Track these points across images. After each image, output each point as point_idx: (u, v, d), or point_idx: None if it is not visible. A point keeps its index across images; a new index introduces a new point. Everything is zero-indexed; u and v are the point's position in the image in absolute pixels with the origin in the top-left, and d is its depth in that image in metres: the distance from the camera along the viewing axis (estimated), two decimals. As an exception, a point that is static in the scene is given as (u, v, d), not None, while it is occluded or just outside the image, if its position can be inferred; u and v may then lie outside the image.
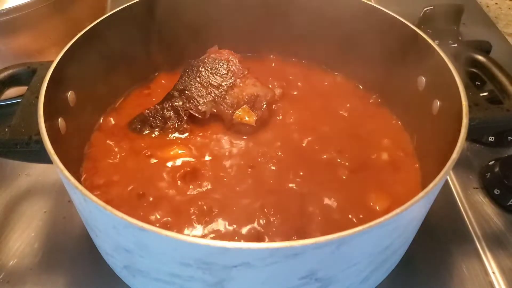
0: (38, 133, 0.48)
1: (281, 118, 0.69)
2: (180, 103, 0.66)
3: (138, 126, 0.66)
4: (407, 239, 0.54)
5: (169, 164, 0.62)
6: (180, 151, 0.63)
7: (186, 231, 0.55)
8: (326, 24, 0.72)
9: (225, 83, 0.68)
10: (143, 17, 0.70)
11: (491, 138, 0.74)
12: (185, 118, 0.66)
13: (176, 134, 0.66)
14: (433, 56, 0.58)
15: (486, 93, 0.72)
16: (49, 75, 0.54)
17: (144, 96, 0.74)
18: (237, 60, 0.69)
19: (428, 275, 0.59)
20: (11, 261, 0.59)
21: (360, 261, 0.45)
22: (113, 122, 0.69)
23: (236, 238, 0.54)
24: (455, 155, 0.46)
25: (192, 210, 0.56)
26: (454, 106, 0.52)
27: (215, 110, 0.66)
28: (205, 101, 0.66)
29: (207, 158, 0.63)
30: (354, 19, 0.69)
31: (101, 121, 0.69)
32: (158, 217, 0.55)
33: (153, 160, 0.62)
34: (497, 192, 0.66)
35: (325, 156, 0.63)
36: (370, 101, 0.73)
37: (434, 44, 0.59)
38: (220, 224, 0.55)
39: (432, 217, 0.57)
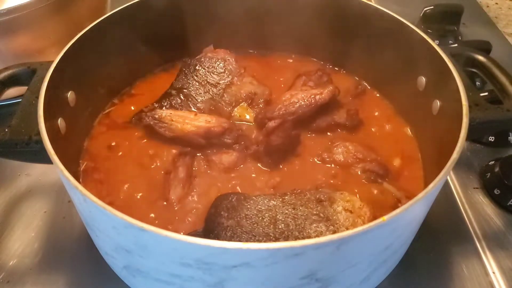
0: (38, 133, 0.49)
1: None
2: (179, 101, 0.66)
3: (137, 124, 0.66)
4: (407, 239, 0.54)
5: (169, 160, 0.61)
6: (180, 147, 0.63)
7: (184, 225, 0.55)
8: (326, 24, 0.72)
9: (223, 81, 0.68)
10: (142, 17, 0.70)
11: (491, 138, 0.74)
12: None
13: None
14: (433, 56, 0.58)
15: (486, 93, 0.72)
16: (49, 75, 0.54)
17: (143, 94, 0.74)
18: (233, 59, 0.70)
19: (428, 275, 0.59)
20: (11, 261, 0.59)
21: (360, 261, 0.45)
22: (112, 121, 0.69)
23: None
24: (455, 155, 0.46)
25: (192, 206, 0.57)
26: (454, 106, 0.52)
27: (213, 108, 0.67)
28: (204, 99, 0.67)
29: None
30: (355, 19, 0.69)
31: (100, 120, 0.69)
32: (154, 214, 0.56)
33: (153, 158, 0.62)
34: (497, 192, 0.66)
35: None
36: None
37: (434, 44, 0.59)
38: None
39: (432, 217, 0.57)
